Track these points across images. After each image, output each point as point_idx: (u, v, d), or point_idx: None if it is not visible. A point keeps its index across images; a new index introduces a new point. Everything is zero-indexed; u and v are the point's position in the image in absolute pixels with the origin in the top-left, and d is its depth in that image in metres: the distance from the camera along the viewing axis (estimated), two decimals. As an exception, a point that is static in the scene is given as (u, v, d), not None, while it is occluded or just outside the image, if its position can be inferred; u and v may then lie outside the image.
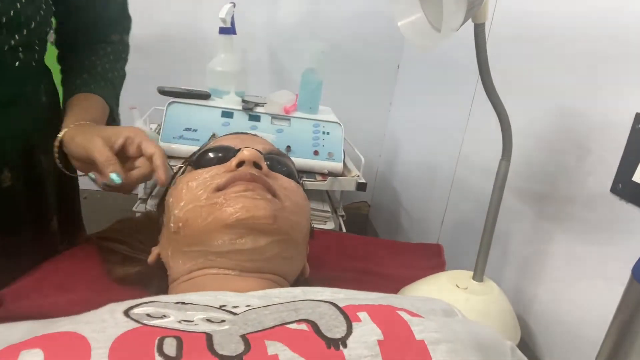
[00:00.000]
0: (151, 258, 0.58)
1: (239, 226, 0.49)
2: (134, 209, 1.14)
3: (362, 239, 0.96)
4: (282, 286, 0.53)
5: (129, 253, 0.71)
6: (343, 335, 0.34)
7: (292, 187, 0.57)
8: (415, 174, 1.44)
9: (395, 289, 0.79)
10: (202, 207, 0.51)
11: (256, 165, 0.55)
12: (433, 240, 1.23)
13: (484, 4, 0.56)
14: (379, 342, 0.34)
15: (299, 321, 0.36)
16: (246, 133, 0.70)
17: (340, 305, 0.39)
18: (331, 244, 0.91)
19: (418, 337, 0.36)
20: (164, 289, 0.55)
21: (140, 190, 1.20)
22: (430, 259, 0.91)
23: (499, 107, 0.64)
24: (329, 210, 1.19)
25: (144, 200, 1.18)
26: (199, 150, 0.64)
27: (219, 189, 0.52)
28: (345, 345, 0.34)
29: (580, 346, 0.68)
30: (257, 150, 0.57)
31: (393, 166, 1.61)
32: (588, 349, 0.65)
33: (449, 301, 0.70)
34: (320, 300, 0.40)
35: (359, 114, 1.67)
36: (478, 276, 0.74)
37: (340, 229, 1.19)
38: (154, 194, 1.20)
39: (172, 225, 0.53)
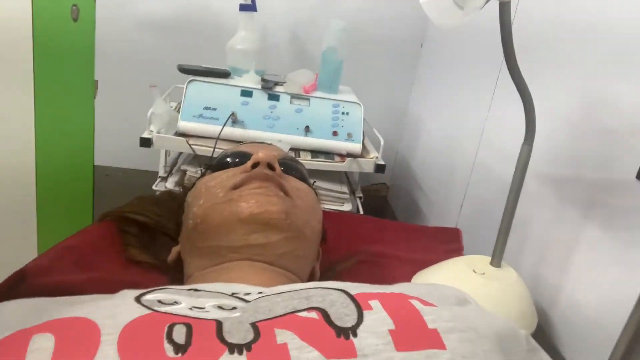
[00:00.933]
0: (171, 257, 0.60)
1: (252, 221, 0.51)
2: (153, 187, 1.16)
3: (378, 221, 0.95)
4: (292, 281, 0.54)
5: (146, 221, 0.72)
6: (354, 323, 0.34)
7: (305, 188, 0.60)
8: (436, 156, 1.41)
9: (411, 273, 0.78)
10: (218, 204, 0.53)
11: (270, 166, 0.58)
12: (452, 224, 1.22)
13: (510, -18, 0.54)
14: (390, 332, 0.34)
15: (309, 309, 0.36)
16: (263, 143, 0.73)
17: (352, 292, 0.38)
18: (348, 226, 0.91)
19: (431, 326, 0.35)
20: (179, 280, 0.56)
21: (160, 168, 1.21)
22: (447, 244, 0.90)
23: (523, 89, 0.62)
24: (347, 191, 1.18)
25: (164, 179, 1.19)
26: (218, 156, 0.67)
27: (235, 187, 0.55)
28: (355, 335, 0.33)
29: (600, 334, 0.67)
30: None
31: (413, 148, 1.59)
32: (607, 337, 0.64)
33: (465, 287, 0.69)
34: (331, 288, 0.39)
35: (380, 94, 1.65)
36: (496, 262, 0.73)
37: (358, 211, 1.19)
38: (173, 171, 1.21)
39: (190, 222, 0.56)
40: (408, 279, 0.77)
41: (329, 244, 0.84)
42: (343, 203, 1.18)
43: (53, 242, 1.77)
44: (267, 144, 0.72)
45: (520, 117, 0.65)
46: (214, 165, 0.63)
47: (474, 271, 0.72)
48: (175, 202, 0.75)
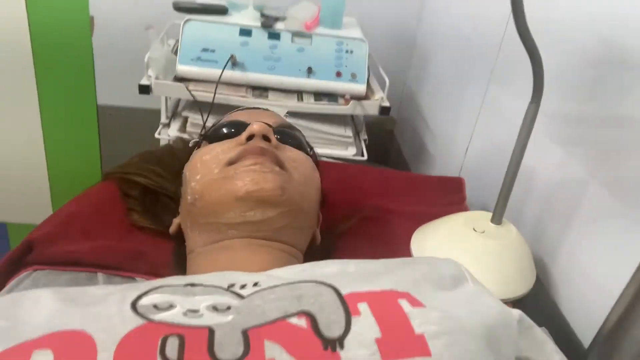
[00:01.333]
0: (172, 229, 0.61)
1: (249, 199, 0.51)
2: (156, 135, 1.15)
3: (381, 172, 0.95)
4: (292, 255, 0.55)
5: (147, 184, 0.73)
6: (341, 333, 0.35)
7: (301, 158, 0.59)
8: (444, 89, 1.37)
9: (413, 229, 0.79)
10: (215, 180, 0.53)
11: (265, 138, 0.57)
12: (457, 163, 1.20)
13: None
14: (377, 340, 0.35)
15: (299, 314, 0.37)
16: (259, 108, 0.71)
17: (343, 292, 0.39)
18: (350, 178, 0.91)
19: (417, 330, 0.36)
20: (183, 249, 0.57)
21: (162, 114, 1.19)
22: (450, 194, 0.90)
23: (531, 47, 0.59)
24: (351, 135, 1.17)
25: (166, 125, 1.18)
26: (213, 125, 0.65)
27: (231, 162, 0.54)
28: (342, 346, 0.34)
29: (600, 295, 0.68)
30: (267, 123, 0.58)
31: (421, 79, 1.54)
32: (606, 295, 0.65)
33: (464, 246, 0.71)
34: (324, 283, 0.40)
35: (387, 22, 1.56)
36: (496, 219, 0.73)
37: (362, 154, 1.18)
38: (175, 117, 1.20)
39: (189, 197, 0.55)
40: (409, 235, 0.78)
41: (332, 199, 0.85)
42: (347, 147, 1.17)
43: (63, 186, 1.78)
44: (263, 109, 0.70)
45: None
46: (210, 135, 0.62)
47: (473, 229, 0.72)
48: (177, 160, 0.75)
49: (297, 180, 0.55)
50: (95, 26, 1.50)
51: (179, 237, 0.60)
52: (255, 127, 0.56)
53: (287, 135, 0.62)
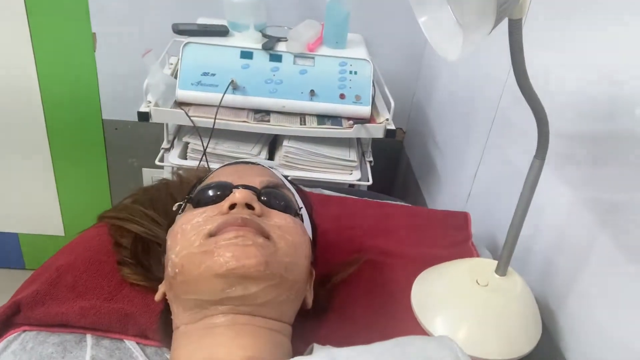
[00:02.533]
0: (158, 297, 0.60)
1: (230, 275, 0.49)
2: (156, 161, 1.13)
3: (381, 207, 0.92)
4: (279, 331, 0.52)
5: (140, 232, 0.72)
6: None
7: (288, 224, 0.56)
8: (454, 100, 1.32)
9: (414, 275, 0.76)
10: (195, 255, 0.51)
11: (249, 206, 0.54)
12: (468, 177, 1.15)
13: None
14: None
15: None
16: (246, 162, 0.68)
17: None
18: (348, 215, 0.88)
19: None
20: (169, 319, 0.55)
21: (164, 139, 1.18)
22: (455, 232, 0.87)
23: (535, 105, 0.55)
24: (355, 159, 1.14)
25: (167, 150, 1.16)
26: (198, 184, 0.63)
27: (211, 234, 0.52)
28: None
29: (613, 350, 0.64)
30: (252, 187, 0.56)
31: (430, 91, 1.50)
32: (623, 353, 0.61)
33: (467, 301, 0.68)
34: None
35: (395, 31, 1.52)
36: (501, 270, 0.70)
37: (367, 179, 1.15)
38: (175, 143, 1.18)
39: (169, 269, 0.53)
40: (410, 282, 0.75)
41: (330, 238, 0.82)
42: (351, 172, 1.14)
43: (72, 197, 1.80)
44: (252, 163, 0.68)
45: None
46: (194, 198, 0.60)
47: (477, 282, 0.69)
48: (172, 200, 0.73)
49: (282, 251, 0.53)
50: (97, 43, 1.48)
51: (166, 303, 0.58)
52: (237, 195, 0.54)
53: (274, 196, 0.59)
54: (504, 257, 0.69)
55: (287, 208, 0.59)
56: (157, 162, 1.13)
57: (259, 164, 0.67)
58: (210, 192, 0.59)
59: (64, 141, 1.66)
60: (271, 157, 1.17)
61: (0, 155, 1.67)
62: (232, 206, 0.54)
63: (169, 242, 0.55)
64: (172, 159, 1.12)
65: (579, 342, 0.70)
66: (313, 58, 1.15)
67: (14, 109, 1.59)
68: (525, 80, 0.51)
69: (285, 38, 1.17)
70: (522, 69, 0.50)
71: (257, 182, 0.60)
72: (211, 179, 0.62)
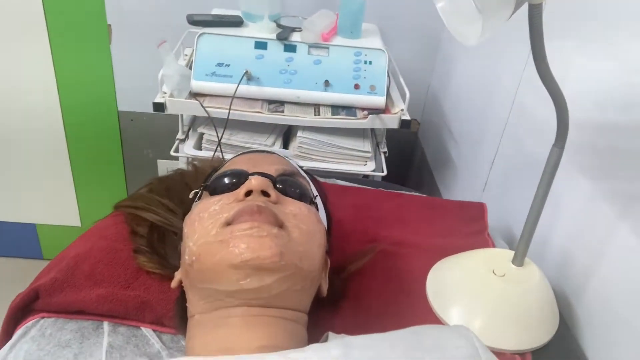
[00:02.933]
0: (174, 284, 0.60)
1: (245, 267, 0.48)
2: (172, 152, 1.14)
3: (397, 197, 0.91)
4: (294, 320, 0.52)
5: (156, 221, 0.72)
6: None
7: (303, 212, 0.55)
8: (470, 90, 1.31)
9: (429, 265, 0.75)
10: (211, 244, 0.51)
11: (264, 193, 0.54)
12: (484, 169, 1.14)
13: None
14: None
15: None
16: (262, 151, 0.68)
17: None
18: (364, 206, 0.88)
19: None
20: (184, 308, 0.55)
21: (179, 130, 1.18)
22: (471, 223, 0.86)
23: (554, 90, 0.54)
24: (370, 150, 1.13)
25: (182, 141, 1.17)
26: (214, 173, 0.63)
27: (228, 222, 0.52)
28: None
29: (634, 340, 0.63)
30: (267, 174, 0.56)
31: (446, 81, 1.48)
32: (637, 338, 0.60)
33: (484, 292, 0.67)
34: None
35: (411, 20, 1.50)
36: (518, 260, 0.69)
37: (382, 169, 1.14)
38: (190, 134, 1.18)
39: (186, 257, 0.53)
40: (426, 272, 0.75)
41: (346, 229, 0.82)
42: (366, 162, 1.14)
43: (88, 189, 1.82)
44: (267, 152, 0.67)
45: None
46: (210, 185, 0.60)
47: (493, 272, 0.68)
48: (188, 189, 0.74)
49: (297, 240, 0.52)
50: (113, 35, 1.49)
51: (182, 290, 0.59)
52: (253, 182, 0.54)
53: (289, 184, 0.59)
54: (521, 247, 0.68)
55: (302, 196, 0.59)
56: (172, 153, 1.13)
57: (274, 153, 0.67)
58: (226, 180, 0.59)
59: (80, 133, 1.68)
60: (285, 147, 1.17)
61: (18, 148, 1.69)
62: (248, 193, 0.54)
63: (185, 230, 0.55)
64: (187, 149, 1.12)
65: (596, 333, 0.69)
66: (327, 48, 1.14)
67: (31, 104, 1.61)
68: (544, 67, 0.50)
69: (300, 28, 1.16)
70: (542, 54, 0.49)
71: (272, 170, 0.59)
72: (227, 167, 0.63)
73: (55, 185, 1.79)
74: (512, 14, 0.44)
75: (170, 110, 1.09)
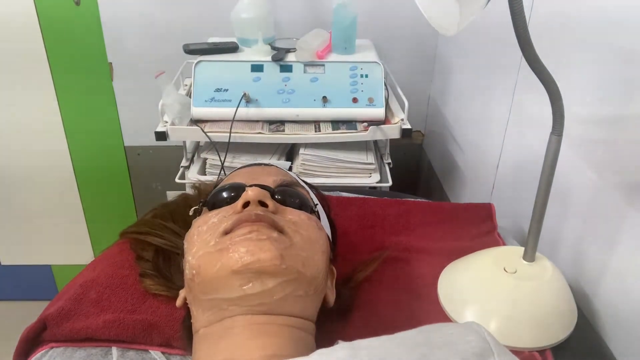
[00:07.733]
0: (179, 302, 0.59)
1: (246, 271, 0.48)
2: (177, 179, 1.14)
3: (402, 204, 0.90)
4: (299, 328, 0.51)
5: (160, 245, 0.72)
6: None
7: (303, 220, 0.55)
8: (469, 99, 1.30)
9: (439, 269, 0.74)
10: (211, 254, 0.51)
11: (262, 203, 0.54)
12: (489, 174, 1.13)
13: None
14: None
15: None
16: (259, 164, 0.68)
17: None
18: (369, 214, 0.87)
19: None
20: (191, 327, 0.55)
21: (183, 160, 1.19)
22: (479, 224, 0.85)
23: (546, 78, 0.54)
24: (373, 161, 1.12)
25: (187, 168, 1.17)
26: (212, 190, 0.63)
27: (226, 232, 0.52)
28: None
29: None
30: (265, 186, 0.56)
31: (445, 91, 1.48)
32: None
33: (496, 291, 0.65)
34: None
35: (406, 34, 1.51)
36: (529, 256, 0.67)
37: (387, 180, 1.13)
38: (195, 160, 1.19)
39: (187, 272, 0.53)
40: (436, 276, 0.73)
41: (352, 239, 0.81)
42: (370, 174, 1.13)
43: (100, 226, 1.83)
44: (265, 164, 0.68)
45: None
46: (208, 201, 0.60)
47: (504, 269, 0.67)
48: (190, 210, 0.74)
49: (298, 245, 0.52)
50: (114, 72, 1.52)
51: (188, 309, 0.58)
52: (250, 193, 0.54)
53: (288, 194, 0.59)
54: (530, 241, 0.66)
55: (303, 205, 0.58)
56: (177, 180, 1.14)
57: (272, 165, 0.67)
58: (225, 194, 0.59)
59: (89, 172, 1.70)
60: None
61: (29, 191, 1.72)
62: (246, 205, 0.54)
63: (185, 245, 0.55)
64: (192, 175, 1.13)
65: (617, 324, 0.67)
66: (323, 65, 1.16)
67: (40, 147, 1.64)
68: (531, 51, 0.50)
69: (294, 49, 1.17)
70: (526, 36, 0.49)
71: (270, 181, 0.59)
72: (225, 182, 0.63)
73: (68, 226, 1.81)
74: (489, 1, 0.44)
75: (172, 138, 1.10)
